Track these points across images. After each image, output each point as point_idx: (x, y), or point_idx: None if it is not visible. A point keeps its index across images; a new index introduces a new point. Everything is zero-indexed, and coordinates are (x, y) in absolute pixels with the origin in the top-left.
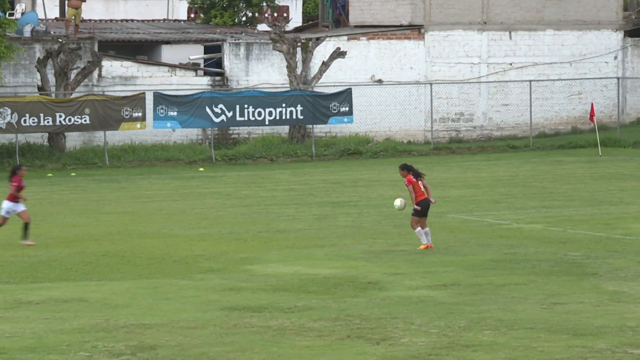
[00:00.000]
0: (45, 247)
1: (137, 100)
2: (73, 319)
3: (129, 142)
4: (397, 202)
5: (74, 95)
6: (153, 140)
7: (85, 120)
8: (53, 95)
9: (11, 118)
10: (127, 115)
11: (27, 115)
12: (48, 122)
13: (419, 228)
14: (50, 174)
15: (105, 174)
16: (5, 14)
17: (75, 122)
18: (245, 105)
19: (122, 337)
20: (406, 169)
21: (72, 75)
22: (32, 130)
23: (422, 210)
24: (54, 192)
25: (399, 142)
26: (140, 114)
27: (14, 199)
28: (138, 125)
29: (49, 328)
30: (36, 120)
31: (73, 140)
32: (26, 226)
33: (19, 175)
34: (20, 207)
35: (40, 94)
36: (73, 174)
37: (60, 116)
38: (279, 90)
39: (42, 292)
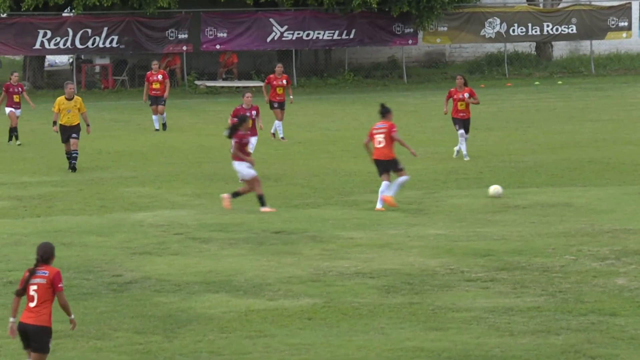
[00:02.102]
0: (533, 153)
1: (623, 9)
2: (559, 223)
3: (614, 51)
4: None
5: (561, 6)
6: (639, 49)
7: (572, 30)
8: (541, 5)
9: (500, 27)
10: (613, 24)
11: (516, 25)
12: (536, 31)
13: None
14: (537, 82)
15: (590, 82)
16: None
17: (562, 32)
18: None
19: (606, 242)
20: None
21: None
22: (520, 40)
23: None
24: (540, 100)
25: None
26: (626, 24)
27: None
28: (624, 35)
29: (535, 231)
30: (524, 29)
31: (560, 49)
32: None
33: None
34: None
35: (528, 4)
36: (560, 82)
37: (548, 26)
38: None
39: (528, 197)
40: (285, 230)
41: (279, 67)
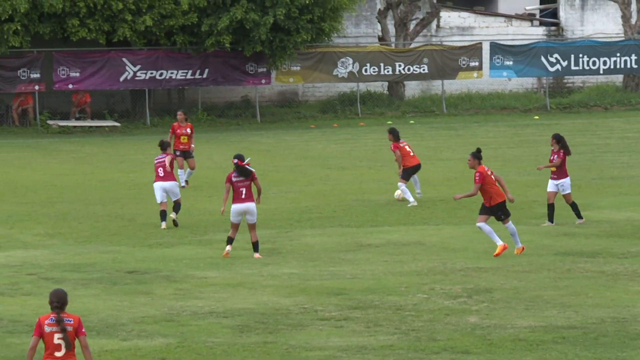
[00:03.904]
0: (386, 192)
1: (474, 50)
2: (411, 262)
3: (465, 90)
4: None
5: (413, 45)
6: (489, 89)
7: (423, 70)
8: (393, 45)
9: (353, 67)
10: (464, 64)
11: (368, 64)
12: (388, 71)
13: None
14: (389, 122)
15: (442, 121)
16: None
17: (414, 71)
18: (580, 55)
19: (458, 280)
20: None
21: (412, 25)
22: (372, 79)
23: None
24: None
25: None
26: (477, 64)
27: None
28: (475, 74)
29: (388, 270)
30: (376, 69)
31: (412, 88)
32: None
33: None
34: None
35: (380, 44)
36: (412, 121)
37: (400, 65)
38: (614, 40)
39: (381, 235)
40: (139, 270)
41: (180, 115)
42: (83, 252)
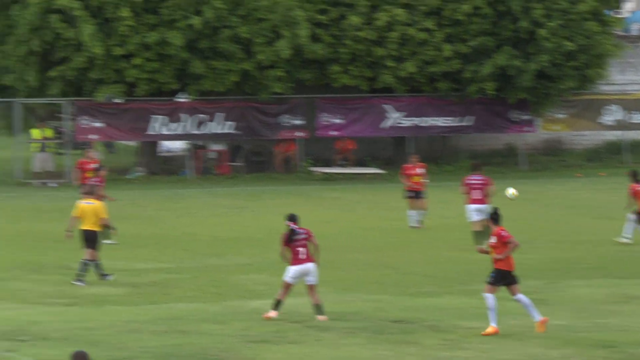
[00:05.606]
0: None
1: None
2: None
3: None
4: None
5: None
6: None
7: None
8: None
9: (619, 115)
10: None
11: (635, 112)
12: None
13: None
14: None
15: None
16: (612, 12)
17: None
18: None
19: None
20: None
21: None
22: (639, 128)
23: None
24: None
25: None
26: None
27: None
28: None
29: None
30: None
31: None
32: None
33: None
34: None
35: None
36: None
37: None
38: None
39: None
40: (404, 319)
41: (414, 158)
42: (346, 300)
